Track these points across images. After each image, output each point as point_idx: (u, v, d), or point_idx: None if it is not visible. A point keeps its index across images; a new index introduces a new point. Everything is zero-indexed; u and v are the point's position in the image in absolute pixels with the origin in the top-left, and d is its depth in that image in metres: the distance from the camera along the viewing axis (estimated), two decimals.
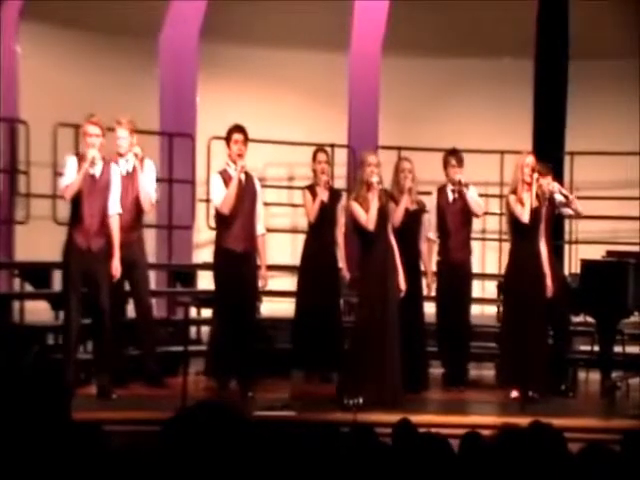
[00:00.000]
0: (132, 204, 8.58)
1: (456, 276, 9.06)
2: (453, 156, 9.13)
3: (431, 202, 9.17)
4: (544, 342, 8.61)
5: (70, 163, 8.13)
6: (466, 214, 9.16)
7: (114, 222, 8.22)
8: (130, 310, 8.93)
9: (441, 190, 9.23)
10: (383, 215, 8.23)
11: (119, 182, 8.28)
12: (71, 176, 8.07)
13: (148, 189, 8.64)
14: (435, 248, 9.19)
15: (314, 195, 9.36)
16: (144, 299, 8.76)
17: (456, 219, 9.16)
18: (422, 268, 9.09)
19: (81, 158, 8.12)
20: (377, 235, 8.19)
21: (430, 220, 9.15)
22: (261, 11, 11.39)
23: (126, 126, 8.62)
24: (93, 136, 8.07)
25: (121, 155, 8.61)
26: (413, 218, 8.92)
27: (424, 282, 9.02)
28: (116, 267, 8.18)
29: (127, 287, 8.73)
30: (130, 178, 8.58)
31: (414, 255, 8.92)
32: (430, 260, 9.10)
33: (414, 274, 8.80)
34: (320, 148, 9.59)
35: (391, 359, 8.05)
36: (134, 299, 8.73)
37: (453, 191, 9.17)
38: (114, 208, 8.23)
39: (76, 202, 8.07)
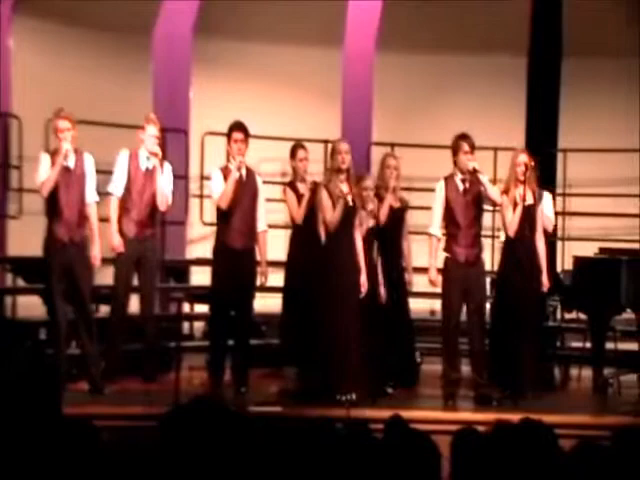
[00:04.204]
0: (148, 201, 8.60)
1: (468, 276, 8.22)
2: (465, 141, 8.27)
3: (437, 193, 8.35)
4: (537, 339, 8.61)
5: (44, 160, 8.20)
6: (478, 206, 8.33)
7: (92, 211, 8.31)
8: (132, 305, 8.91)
9: (449, 180, 8.35)
10: (349, 213, 8.14)
11: (94, 171, 8.35)
12: (46, 172, 8.14)
13: (166, 190, 8.64)
14: (440, 245, 8.39)
15: (296, 192, 9.28)
16: (147, 296, 8.75)
17: (468, 212, 8.30)
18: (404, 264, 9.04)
19: (54, 153, 8.19)
20: (341, 232, 8.12)
21: (434, 213, 8.37)
22: (255, 6, 11.37)
23: (156, 124, 8.65)
24: (65, 130, 8.15)
25: (153, 154, 8.55)
26: (396, 216, 8.83)
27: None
28: (95, 256, 8.24)
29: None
30: (149, 176, 8.59)
31: (397, 253, 8.88)
32: (434, 257, 8.32)
33: (398, 272, 8.77)
34: (298, 144, 9.39)
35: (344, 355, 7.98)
36: (140, 295, 8.74)
37: (463, 181, 8.30)
38: (91, 196, 8.32)
39: (53, 196, 8.16)
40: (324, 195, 8.19)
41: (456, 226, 8.31)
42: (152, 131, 8.62)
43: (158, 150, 8.60)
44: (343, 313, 8.04)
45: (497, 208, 8.65)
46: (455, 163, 8.34)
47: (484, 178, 8.28)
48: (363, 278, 8.17)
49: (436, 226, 8.41)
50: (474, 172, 8.22)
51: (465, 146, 8.26)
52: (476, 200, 8.31)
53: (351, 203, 8.15)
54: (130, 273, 8.59)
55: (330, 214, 8.13)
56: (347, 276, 8.12)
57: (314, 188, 8.91)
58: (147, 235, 8.65)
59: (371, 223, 8.41)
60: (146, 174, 8.61)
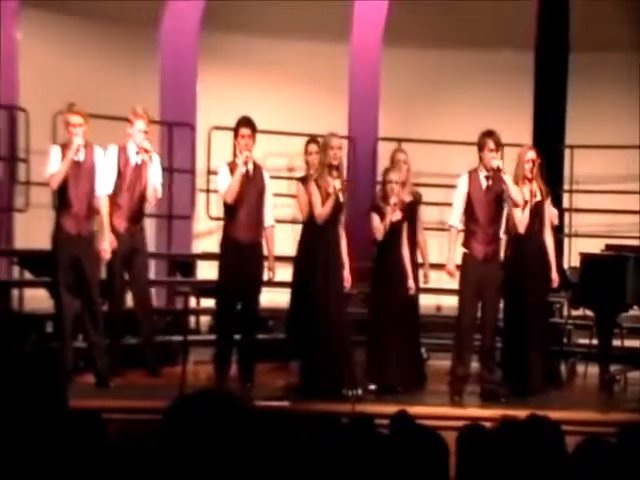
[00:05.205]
0: (138, 196, 8.60)
1: (484, 274, 8.14)
2: (491, 138, 8.12)
3: (459, 186, 8.23)
4: (545, 336, 8.60)
5: (54, 152, 8.19)
6: (499, 204, 8.21)
7: (103, 203, 8.29)
8: (128, 299, 8.93)
9: (472, 175, 8.24)
10: (337, 209, 8.15)
11: (104, 164, 8.32)
12: (55, 165, 8.12)
13: (155, 183, 8.64)
14: (459, 239, 8.28)
15: (306, 187, 9.26)
16: (144, 288, 8.77)
17: (489, 210, 8.19)
18: (420, 260, 9.04)
19: (65, 147, 8.17)
20: (327, 227, 8.15)
21: (454, 206, 8.27)
22: (262, 1, 11.36)
23: (144, 118, 8.62)
24: (77, 126, 8.12)
25: (144, 151, 8.53)
26: (409, 210, 8.84)
27: (421, 274, 8.97)
28: (105, 249, 8.23)
29: (127, 276, 8.74)
30: (138, 171, 8.58)
31: (411, 247, 8.87)
32: (452, 248, 8.22)
33: (411, 266, 8.76)
34: (312, 139, 9.41)
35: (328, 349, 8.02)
36: (133, 288, 8.73)
37: (487, 178, 8.17)
38: (102, 189, 8.29)
39: (62, 189, 8.14)
40: (314, 190, 8.19)
41: (475, 222, 8.21)
42: (141, 126, 8.57)
43: (148, 145, 8.57)
44: (329, 307, 8.06)
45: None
46: (480, 159, 8.23)
47: (507, 178, 8.18)
48: (346, 273, 8.19)
49: (456, 218, 8.29)
50: (498, 171, 8.13)
51: (490, 143, 8.12)
52: (498, 199, 8.19)
53: (342, 199, 8.16)
54: (124, 268, 8.58)
55: (319, 209, 8.14)
56: (332, 270, 8.13)
57: None
58: (137, 229, 8.66)
59: (396, 217, 8.39)
60: (135, 169, 8.58)
